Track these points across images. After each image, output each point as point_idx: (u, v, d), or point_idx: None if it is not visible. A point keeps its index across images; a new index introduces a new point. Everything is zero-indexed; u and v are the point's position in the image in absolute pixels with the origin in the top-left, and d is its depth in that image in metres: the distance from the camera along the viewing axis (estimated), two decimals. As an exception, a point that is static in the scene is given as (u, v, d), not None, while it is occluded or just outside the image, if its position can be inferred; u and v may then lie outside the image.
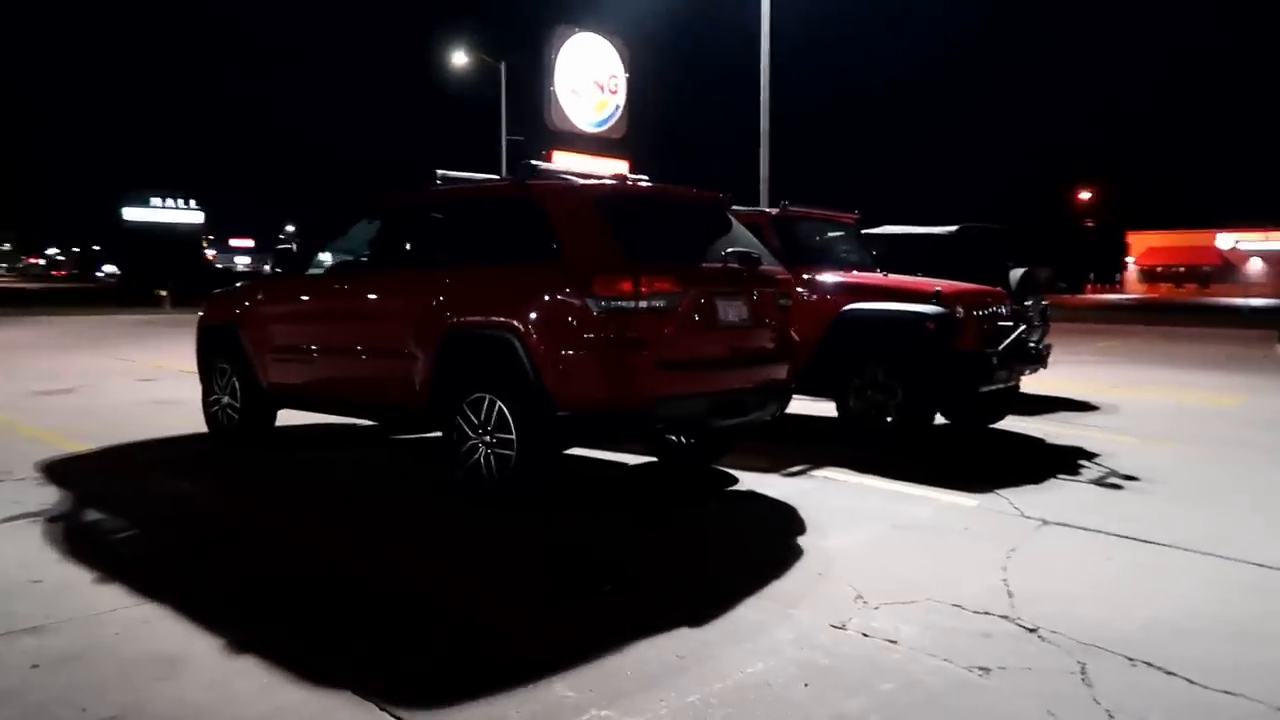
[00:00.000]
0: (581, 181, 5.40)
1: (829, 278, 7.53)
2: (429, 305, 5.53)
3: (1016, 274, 9.70)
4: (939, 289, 7.06)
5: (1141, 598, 4.12)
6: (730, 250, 5.39)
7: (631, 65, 32.37)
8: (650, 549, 4.75)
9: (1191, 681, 3.26)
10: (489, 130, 34.77)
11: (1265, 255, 65.18)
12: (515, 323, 5.04)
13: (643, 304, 4.82)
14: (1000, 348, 7.07)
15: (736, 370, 5.34)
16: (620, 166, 30.17)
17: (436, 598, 4.00)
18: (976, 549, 4.75)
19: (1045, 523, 5.24)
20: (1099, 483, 6.29)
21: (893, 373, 7.01)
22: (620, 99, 31.90)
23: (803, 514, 5.33)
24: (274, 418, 7.30)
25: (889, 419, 7.06)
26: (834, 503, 5.59)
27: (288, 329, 6.63)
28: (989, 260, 9.72)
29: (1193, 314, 35.74)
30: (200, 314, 7.62)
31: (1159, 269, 68.96)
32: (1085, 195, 72.15)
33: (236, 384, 7.10)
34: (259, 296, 6.95)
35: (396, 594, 4.04)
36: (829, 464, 6.57)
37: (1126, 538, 4.99)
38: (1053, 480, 6.31)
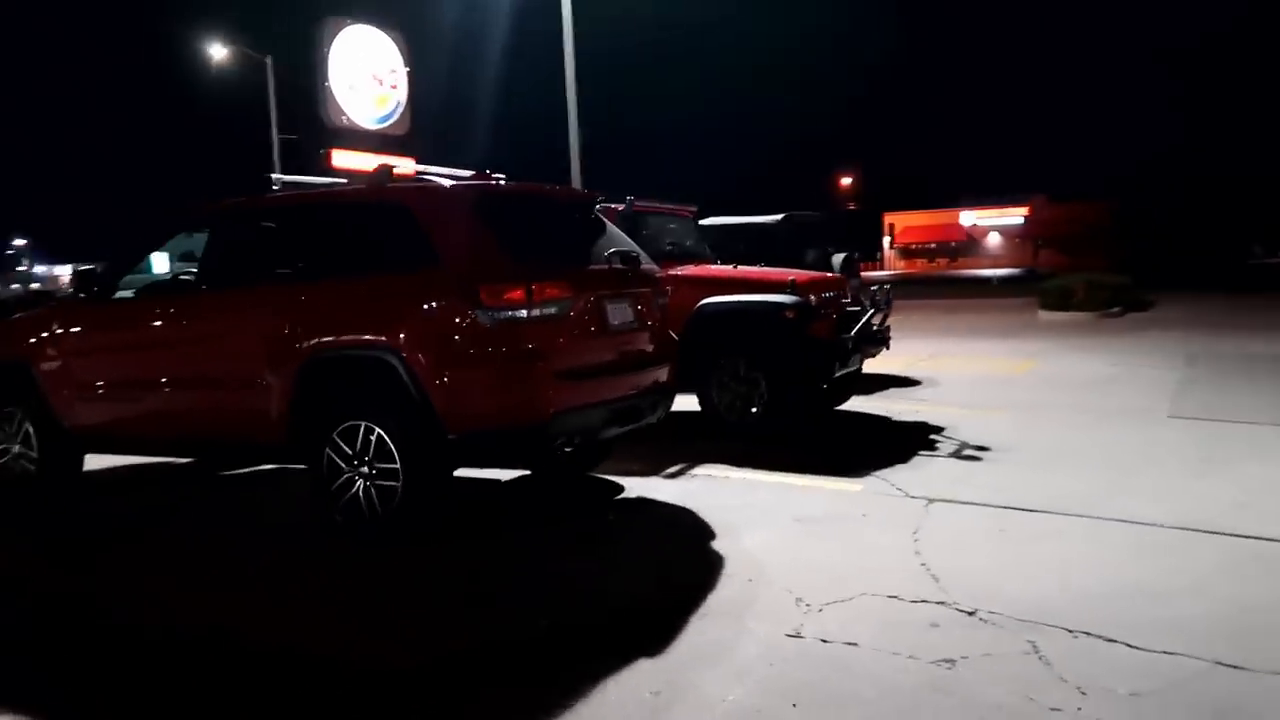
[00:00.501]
0: (448, 182, 5.00)
1: (683, 272, 7.46)
2: (281, 326, 4.94)
3: (838, 259, 10.07)
4: (793, 278, 7.16)
5: (1047, 567, 4.29)
6: (614, 251, 5.17)
7: (411, 59, 31.26)
8: (567, 570, 4.47)
9: (1132, 646, 3.41)
10: (258, 129, 32.49)
11: (1001, 230, 72.25)
12: (394, 341, 4.58)
13: (536, 312, 4.52)
14: (853, 331, 7.27)
15: (628, 375, 5.13)
16: (407, 164, 29.09)
17: (354, 661, 3.54)
18: (883, 535, 4.80)
19: (931, 501, 5.40)
20: (958, 456, 6.58)
21: (755, 364, 7.04)
22: (402, 94, 30.74)
23: (704, 516, 5.22)
24: (81, 464, 6.35)
25: (754, 410, 7.09)
26: (727, 501, 5.51)
27: (100, 362, 5.74)
28: (812, 246, 10.05)
29: (952, 286, 38.88)
30: (-25, 351, 6.51)
31: (914, 246, 74.78)
32: (846, 180, 77.14)
33: (30, 429, 6.11)
34: (57, 327, 5.97)
35: (304, 665, 3.55)
36: (704, 461, 6.50)
37: (1007, 508, 5.22)
38: (917, 457, 6.55)
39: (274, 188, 5.45)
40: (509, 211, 4.91)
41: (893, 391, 9.71)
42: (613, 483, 6.04)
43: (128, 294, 5.87)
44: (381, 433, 4.65)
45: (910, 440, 7.12)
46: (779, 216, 10.11)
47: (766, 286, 7.18)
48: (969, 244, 73.68)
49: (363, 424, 4.69)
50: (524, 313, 4.47)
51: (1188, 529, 4.75)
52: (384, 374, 4.60)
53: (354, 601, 4.15)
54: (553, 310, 4.61)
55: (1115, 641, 3.45)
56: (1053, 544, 4.63)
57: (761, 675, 3.24)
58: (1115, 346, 13.43)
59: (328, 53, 28.58)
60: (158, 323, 5.49)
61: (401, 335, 4.57)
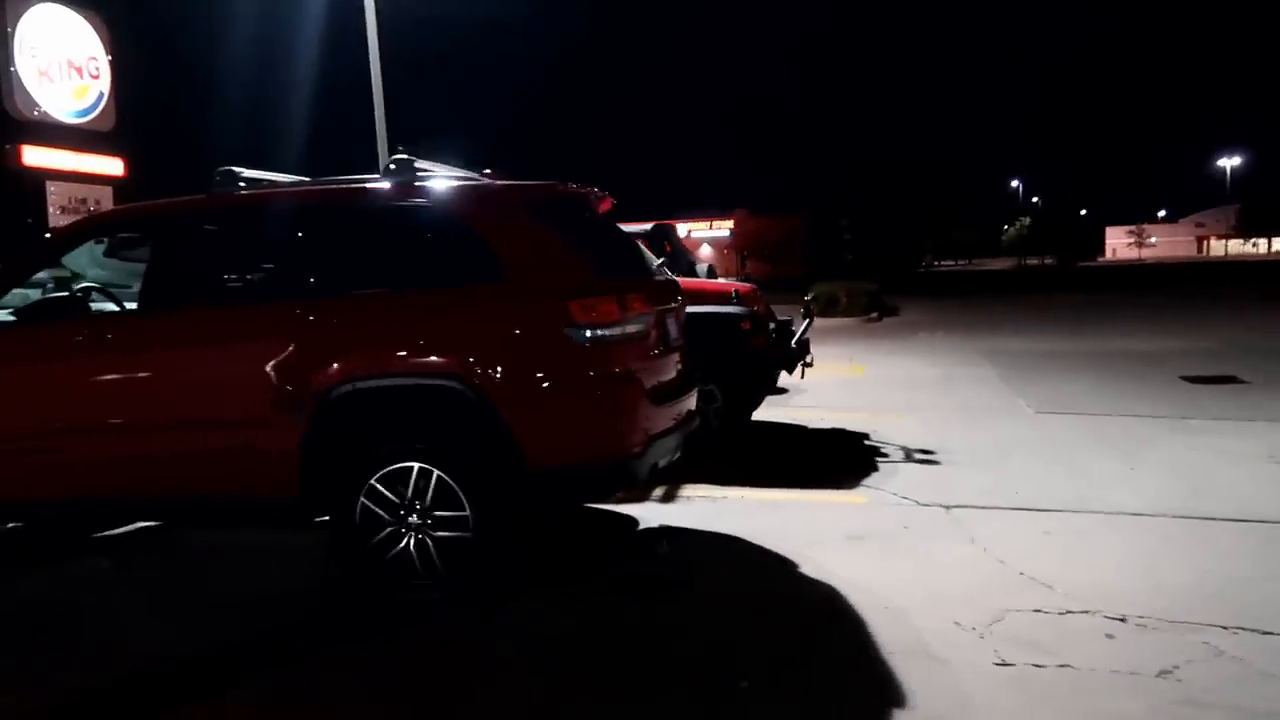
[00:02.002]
0: (496, 182, 4.31)
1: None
2: (286, 353, 4.00)
3: (702, 269, 10.10)
4: (735, 289, 7.00)
5: (1127, 565, 4.43)
6: (662, 261, 4.73)
7: (115, 45, 27.64)
8: (680, 622, 3.95)
9: (1292, 636, 3.56)
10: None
11: (711, 241, 77.05)
12: (461, 366, 3.86)
13: (627, 329, 4.00)
14: (794, 341, 7.24)
15: (684, 397, 4.69)
16: (113, 164, 25.69)
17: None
18: (947, 547, 4.76)
19: (949, 508, 5.44)
20: (913, 460, 6.73)
21: (710, 377, 6.78)
22: (104, 84, 26.95)
23: (755, 541, 4.91)
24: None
25: (711, 423, 6.84)
26: (756, 523, 5.22)
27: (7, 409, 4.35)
28: (679, 255, 9.97)
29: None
30: None
31: (632, 256, 77.78)
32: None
33: None
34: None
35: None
36: (682, 482, 6.15)
37: (1021, 509, 5.38)
38: (883, 465, 6.60)
39: (239, 185, 4.39)
40: (560, 216, 4.32)
41: (771, 400, 9.81)
42: (615, 513, 5.54)
43: (10, 320, 4.51)
44: (441, 474, 3.90)
45: (852, 448, 7.19)
46: (649, 225, 9.94)
47: (714, 298, 6.96)
48: (684, 254, 77.70)
49: (416, 465, 3.91)
50: (616, 330, 3.95)
51: (1185, 517, 5.13)
52: (449, 405, 3.87)
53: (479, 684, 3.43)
54: (638, 327, 4.12)
55: (1272, 634, 3.60)
56: (1094, 541, 4.80)
57: (1031, 715, 3.03)
58: (909, 348, 14.58)
59: (13, 34, 24.60)
60: (93, 354, 4.23)
61: (471, 359, 3.86)
